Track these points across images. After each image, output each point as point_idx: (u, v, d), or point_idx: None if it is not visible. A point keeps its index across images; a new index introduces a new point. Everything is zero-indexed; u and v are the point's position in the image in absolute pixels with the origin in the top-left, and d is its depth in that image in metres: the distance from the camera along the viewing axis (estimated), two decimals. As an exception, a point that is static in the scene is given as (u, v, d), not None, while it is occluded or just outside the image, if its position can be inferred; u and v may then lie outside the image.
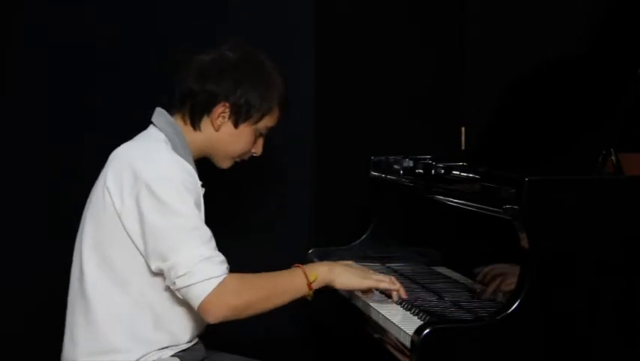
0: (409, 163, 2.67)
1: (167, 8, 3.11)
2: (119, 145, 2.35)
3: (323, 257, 2.83)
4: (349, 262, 2.36)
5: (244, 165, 2.50)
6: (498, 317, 2.01)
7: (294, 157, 3.15)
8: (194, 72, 2.34)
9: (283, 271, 2.27)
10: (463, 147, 2.73)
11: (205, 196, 2.32)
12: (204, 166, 2.41)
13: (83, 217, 2.32)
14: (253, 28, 3.08)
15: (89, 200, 2.31)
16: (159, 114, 2.36)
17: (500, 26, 3.23)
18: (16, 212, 3.09)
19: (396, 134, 3.20)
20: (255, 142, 2.41)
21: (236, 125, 2.35)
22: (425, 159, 2.58)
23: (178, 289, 2.14)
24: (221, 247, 2.22)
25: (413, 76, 3.28)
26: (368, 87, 3.24)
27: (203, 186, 2.31)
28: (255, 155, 2.45)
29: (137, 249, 2.19)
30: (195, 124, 2.34)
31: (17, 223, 3.09)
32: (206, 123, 2.35)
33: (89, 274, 2.24)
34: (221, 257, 2.17)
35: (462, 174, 2.35)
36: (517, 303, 2.00)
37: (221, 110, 2.33)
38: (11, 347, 3.08)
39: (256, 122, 2.36)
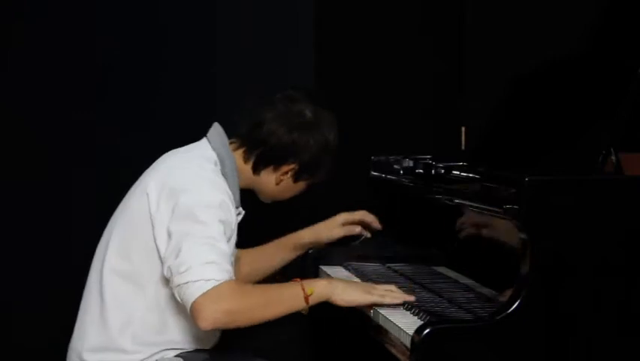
0: (409, 163, 2.66)
1: (167, 7, 3.11)
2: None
3: (323, 257, 2.83)
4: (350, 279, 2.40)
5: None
6: (498, 317, 2.00)
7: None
8: (274, 120, 2.32)
9: (281, 284, 2.29)
10: (463, 147, 2.73)
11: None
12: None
13: (112, 219, 2.33)
14: (253, 27, 3.08)
15: (123, 203, 2.32)
16: (216, 133, 2.35)
17: (500, 26, 3.23)
18: (16, 212, 3.09)
19: (397, 134, 3.20)
20: None
21: (295, 181, 2.38)
22: (425, 159, 2.58)
23: (177, 286, 2.12)
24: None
25: (413, 76, 3.28)
26: (368, 87, 3.24)
27: (243, 209, 2.35)
28: None
29: (159, 256, 2.20)
30: (257, 169, 2.35)
31: (17, 223, 3.09)
32: (268, 172, 2.36)
33: (110, 276, 2.25)
34: (227, 267, 2.15)
35: (462, 174, 2.35)
36: (517, 303, 2.00)
37: (289, 169, 2.35)
38: (15, 345, 3.09)
39: (315, 179, 2.40)
